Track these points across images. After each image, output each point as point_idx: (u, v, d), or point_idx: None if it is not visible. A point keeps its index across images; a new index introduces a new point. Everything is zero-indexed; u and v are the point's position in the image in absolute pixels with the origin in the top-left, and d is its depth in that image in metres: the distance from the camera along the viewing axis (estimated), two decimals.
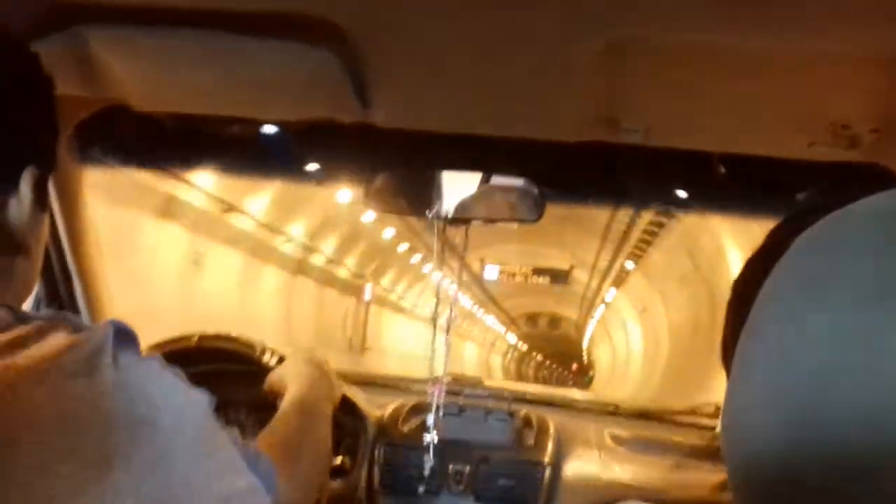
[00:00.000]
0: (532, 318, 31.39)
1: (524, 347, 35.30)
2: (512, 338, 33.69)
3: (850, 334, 0.35)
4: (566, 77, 1.00)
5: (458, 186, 1.32)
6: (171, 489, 0.63)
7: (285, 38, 0.91)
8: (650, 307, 16.94)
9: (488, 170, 1.31)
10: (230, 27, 0.88)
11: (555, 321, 31.09)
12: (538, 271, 18.76)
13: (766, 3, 0.77)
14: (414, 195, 1.37)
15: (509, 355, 35.48)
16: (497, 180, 1.33)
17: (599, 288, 21.04)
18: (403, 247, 16.39)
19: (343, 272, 15.36)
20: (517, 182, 1.33)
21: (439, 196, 1.34)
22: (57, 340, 0.62)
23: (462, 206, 1.35)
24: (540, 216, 1.32)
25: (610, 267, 17.86)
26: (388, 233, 15.13)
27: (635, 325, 19.77)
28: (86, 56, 0.99)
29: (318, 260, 13.59)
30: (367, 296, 16.98)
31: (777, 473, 0.38)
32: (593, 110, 1.10)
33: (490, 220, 1.42)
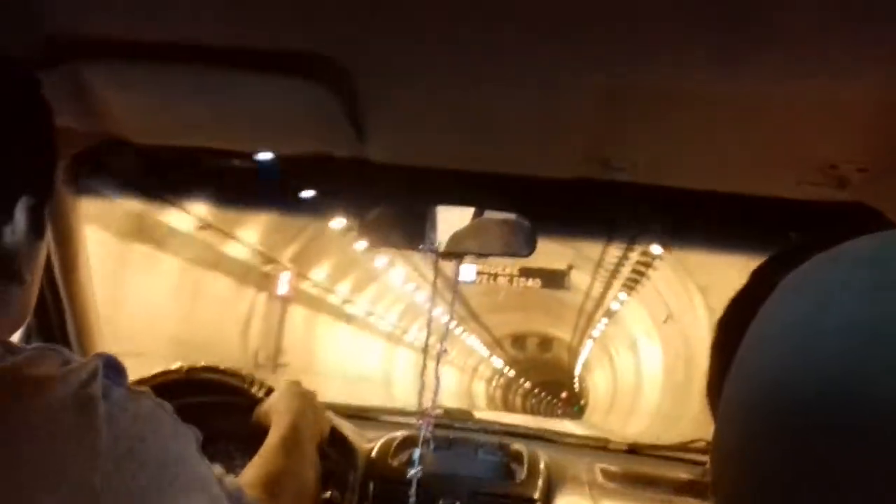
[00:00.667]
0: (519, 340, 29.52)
1: (510, 373, 34.23)
2: (497, 362, 31.94)
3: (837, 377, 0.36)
4: (559, 117, 1.01)
5: (451, 221, 1.32)
6: None
7: (281, 74, 0.92)
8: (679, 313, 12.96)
9: (481, 205, 1.32)
10: (226, 62, 0.89)
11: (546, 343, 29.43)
12: (527, 272, 14.50)
13: (757, 49, 0.78)
14: (407, 229, 1.38)
15: (494, 383, 34.29)
16: (490, 215, 1.34)
17: (604, 294, 17.07)
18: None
19: (240, 250, 10.56)
20: (510, 217, 1.34)
21: (432, 230, 1.35)
22: (47, 372, 0.62)
23: (455, 241, 1.36)
24: (532, 251, 1.32)
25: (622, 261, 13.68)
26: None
27: (651, 342, 16.20)
28: (82, 89, 1.00)
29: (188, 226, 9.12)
30: (283, 289, 12.19)
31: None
32: (585, 149, 1.11)
33: (482, 255, 1.43)
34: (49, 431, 0.59)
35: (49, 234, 1.31)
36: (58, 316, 1.26)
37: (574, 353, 28.08)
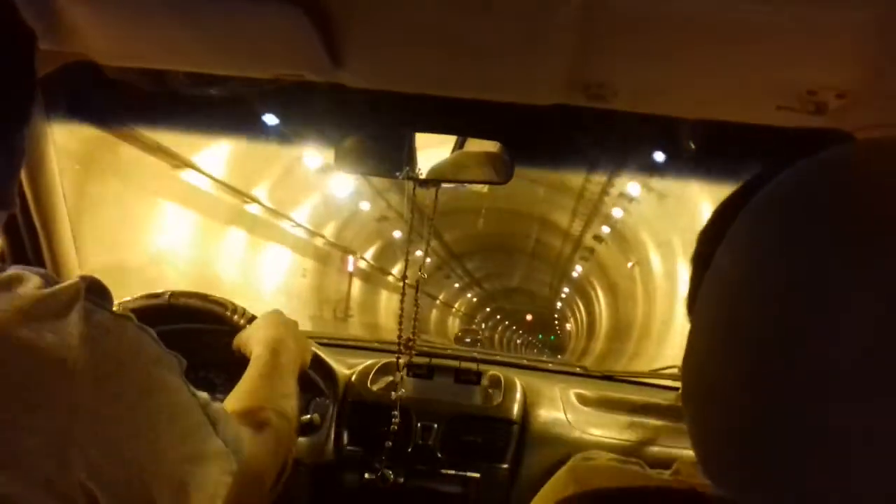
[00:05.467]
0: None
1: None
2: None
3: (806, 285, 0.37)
4: (539, 39, 0.99)
5: (428, 148, 1.31)
6: (136, 447, 0.63)
7: None
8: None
9: (459, 132, 1.31)
10: None
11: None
12: None
13: None
14: (384, 157, 1.36)
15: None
16: (468, 143, 1.33)
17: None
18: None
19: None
20: (487, 145, 1.33)
21: (410, 158, 1.34)
22: (26, 291, 0.62)
23: (433, 168, 1.35)
24: (509, 179, 1.32)
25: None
26: None
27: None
28: (51, 7, 0.97)
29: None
30: (350, 268, 16.72)
31: (731, 411, 0.40)
32: (565, 74, 1.09)
33: (460, 182, 1.42)
34: (28, 351, 0.59)
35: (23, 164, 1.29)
36: (32, 243, 1.24)
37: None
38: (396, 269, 19.17)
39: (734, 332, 0.40)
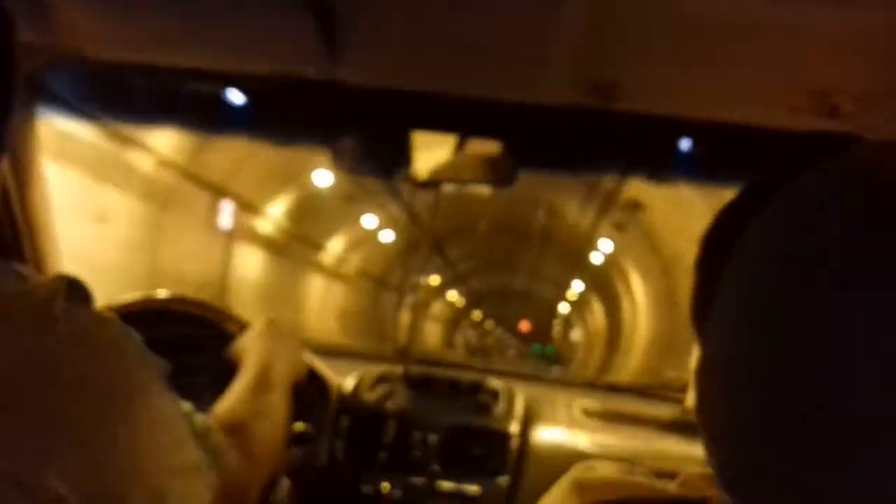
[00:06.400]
0: None
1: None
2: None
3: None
4: (546, 36, 0.98)
5: (429, 149, 1.28)
6: (114, 455, 0.60)
7: None
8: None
9: (461, 132, 1.28)
10: None
11: None
12: None
13: None
14: (383, 157, 1.34)
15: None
16: (470, 143, 1.30)
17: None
18: None
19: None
20: (490, 146, 1.30)
21: (409, 159, 1.30)
22: (2, 287, 0.59)
23: (433, 170, 1.32)
24: (512, 182, 1.29)
25: None
26: None
27: None
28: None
29: None
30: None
31: (754, 419, 0.39)
32: (572, 73, 1.07)
33: (461, 184, 1.39)
34: (4, 349, 0.56)
35: (6, 159, 1.26)
36: (14, 241, 1.21)
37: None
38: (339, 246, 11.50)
39: (766, 342, 0.39)
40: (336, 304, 11.44)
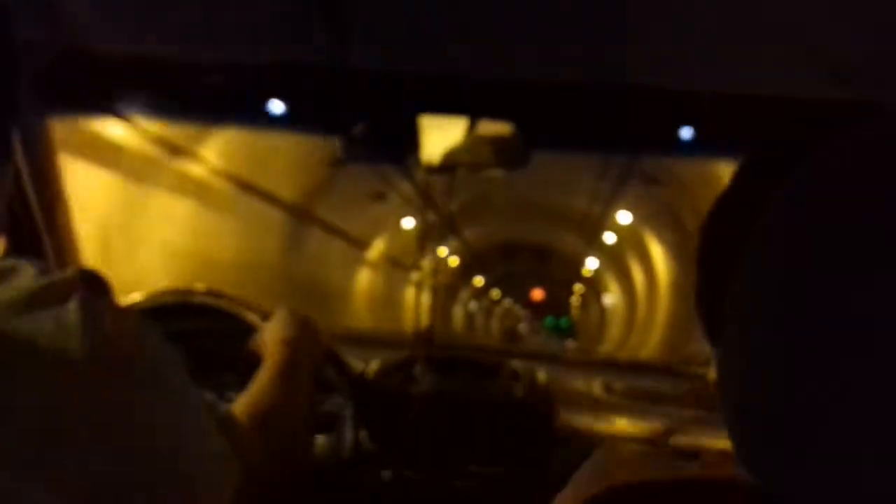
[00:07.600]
0: None
1: None
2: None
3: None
4: (554, 12, 0.96)
5: (440, 132, 1.27)
6: (133, 443, 0.60)
7: None
8: None
9: (473, 113, 1.26)
10: None
11: None
12: None
13: None
14: (395, 144, 1.32)
15: None
16: (482, 126, 1.28)
17: None
18: None
19: None
20: (503, 128, 1.28)
21: (422, 144, 1.29)
22: (20, 281, 0.59)
23: (445, 155, 1.30)
24: (526, 163, 1.27)
25: None
26: None
27: None
28: None
29: None
30: None
31: (775, 409, 0.38)
32: (583, 49, 1.06)
33: (475, 168, 1.38)
34: (23, 342, 0.56)
35: (23, 159, 1.27)
36: (34, 241, 1.22)
37: None
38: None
39: (797, 322, 0.37)
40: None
